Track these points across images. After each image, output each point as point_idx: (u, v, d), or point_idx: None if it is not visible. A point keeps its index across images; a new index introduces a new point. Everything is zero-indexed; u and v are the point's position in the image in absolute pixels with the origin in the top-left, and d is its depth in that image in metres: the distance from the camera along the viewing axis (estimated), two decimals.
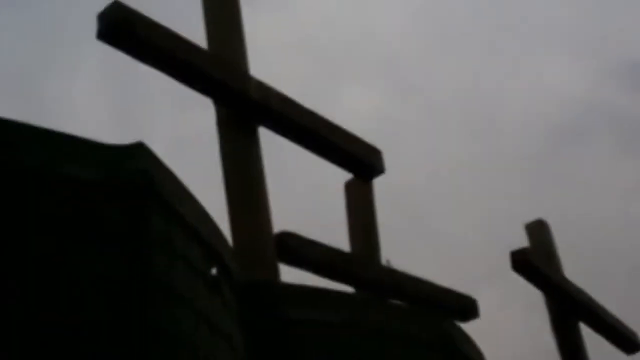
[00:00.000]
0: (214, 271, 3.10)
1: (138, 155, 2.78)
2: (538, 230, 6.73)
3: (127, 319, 2.67)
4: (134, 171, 2.75)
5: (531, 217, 7.00)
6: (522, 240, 6.83)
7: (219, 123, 4.90)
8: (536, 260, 6.27)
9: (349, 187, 5.87)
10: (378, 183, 5.78)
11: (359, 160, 5.40)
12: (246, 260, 4.62)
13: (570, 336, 6.56)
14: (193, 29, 5.07)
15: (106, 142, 2.76)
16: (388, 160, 5.61)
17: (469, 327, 4.95)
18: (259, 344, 3.59)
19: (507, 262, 6.23)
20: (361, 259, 5.66)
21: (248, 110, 4.90)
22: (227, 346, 3.06)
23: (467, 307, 5.86)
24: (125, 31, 4.38)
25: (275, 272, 4.68)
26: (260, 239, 4.72)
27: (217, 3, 5.14)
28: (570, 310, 6.57)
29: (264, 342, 3.65)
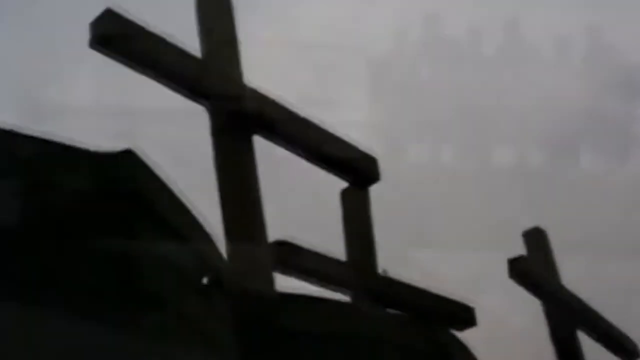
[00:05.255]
0: (204, 280, 3.07)
1: (126, 163, 2.75)
2: (535, 238, 6.69)
3: (114, 321, 2.65)
4: (122, 179, 2.72)
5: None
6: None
7: (213, 132, 4.86)
8: (534, 268, 6.24)
9: (345, 194, 5.83)
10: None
11: (355, 168, 5.38)
12: (241, 270, 4.60)
13: (569, 345, 6.51)
14: (188, 38, 5.06)
15: (95, 149, 2.72)
16: (384, 172, 5.59)
17: None
18: (253, 355, 3.55)
19: None
20: (357, 267, 5.62)
21: (243, 119, 4.87)
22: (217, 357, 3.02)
23: (465, 316, 5.82)
24: (118, 40, 4.36)
25: (271, 282, 4.64)
26: (255, 248, 4.68)
27: (212, 12, 5.12)
28: (568, 318, 6.53)
29: (257, 353, 3.61)
